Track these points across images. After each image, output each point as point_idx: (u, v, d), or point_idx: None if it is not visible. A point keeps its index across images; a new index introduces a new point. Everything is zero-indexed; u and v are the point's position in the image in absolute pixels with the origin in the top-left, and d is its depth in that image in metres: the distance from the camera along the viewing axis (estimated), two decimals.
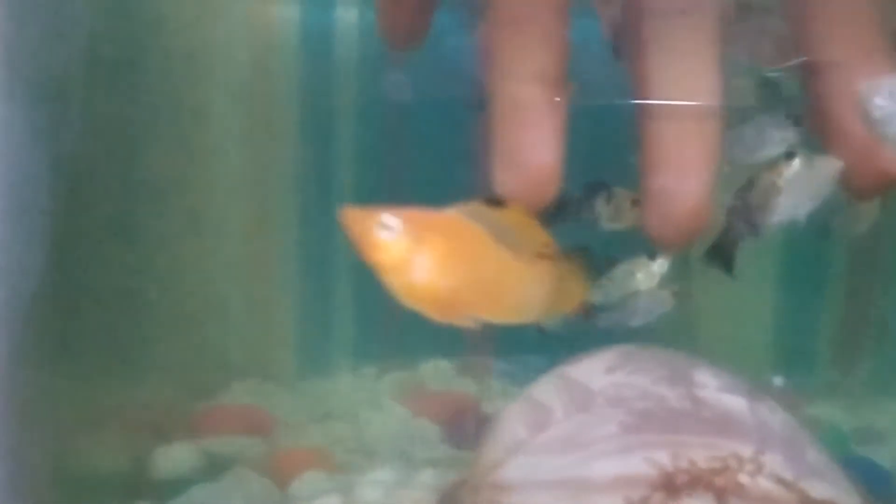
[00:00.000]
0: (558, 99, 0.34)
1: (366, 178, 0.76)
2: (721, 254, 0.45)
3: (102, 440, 0.55)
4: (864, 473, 0.57)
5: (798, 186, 0.38)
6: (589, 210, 0.45)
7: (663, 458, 0.38)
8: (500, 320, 0.33)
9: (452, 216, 0.31)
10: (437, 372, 0.78)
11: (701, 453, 0.39)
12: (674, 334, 0.72)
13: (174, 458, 0.57)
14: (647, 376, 0.42)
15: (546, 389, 0.43)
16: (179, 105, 0.70)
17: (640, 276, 0.54)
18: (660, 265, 0.53)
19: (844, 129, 0.35)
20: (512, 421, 0.43)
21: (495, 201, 0.31)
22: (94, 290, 0.56)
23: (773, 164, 0.39)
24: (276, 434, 0.64)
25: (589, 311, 0.33)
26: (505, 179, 0.34)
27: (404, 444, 0.64)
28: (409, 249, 0.29)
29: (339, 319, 0.80)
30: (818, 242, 0.71)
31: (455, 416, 0.67)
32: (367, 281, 0.83)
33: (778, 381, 0.43)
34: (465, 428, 0.65)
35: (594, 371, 0.43)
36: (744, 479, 0.38)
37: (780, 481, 0.39)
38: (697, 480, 0.38)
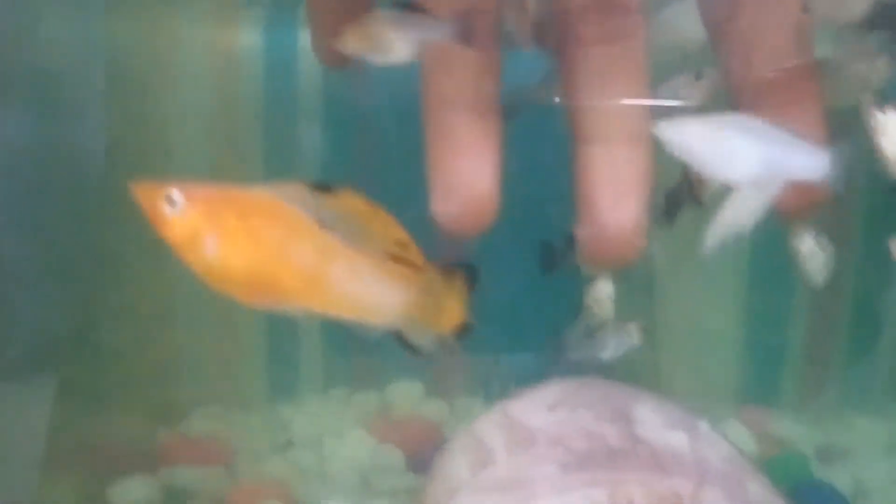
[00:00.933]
0: (493, 124, 0.34)
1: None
2: (666, 209, 0.49)
3: (56, 475, 0.54)
4: (820, 500, 0.57)
5: None
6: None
7: (602, 498, 0.38)
8: (331, 313, 0.30)
9: (258, 195, 0.29)
10: (406, 393, 0.78)
11: (639, 491, 0.38)
12: (640, 356, 0.73)
13: (131, 491, 0.57)
14: (588, 413, 0.42)
15: (488, 427, 0.43)
16: (143, 133, 0.70)
17: (590, 303, 0.54)
18: (604, 288, 0.54)
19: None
20: (454, 459, 0.43)
21: (324, 186, 0.29)
22: (46, 313, 0.56)
23: None
24: (236, 464, 0.64)
25: (466, 334, 0.31)
26: (441, 207, 0.33)
27: (368, 473, 0.64)
28: (197, 226, 0.28)
29: (308, 342, 0.79)
30: (783, 259, 0.71)
31: (419, 443, 0.67)
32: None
33: (704, 426, 0.43)
34: (429, 455, 0.65)
35: (536, 408, 0.43)
36: None
37: None
38: None
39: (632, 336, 0.55)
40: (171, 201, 0.28)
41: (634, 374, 0.73)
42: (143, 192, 0.28)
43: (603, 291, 0.53)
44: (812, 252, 0.48)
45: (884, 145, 0.44)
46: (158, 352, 0.72)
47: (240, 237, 0.28)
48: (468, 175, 0.33)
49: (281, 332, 0.79)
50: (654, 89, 0.37)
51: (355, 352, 0.80)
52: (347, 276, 0.29)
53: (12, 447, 0.52)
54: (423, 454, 0.65)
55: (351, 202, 0.29)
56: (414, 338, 0.30)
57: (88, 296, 0.64)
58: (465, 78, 0.33)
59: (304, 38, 0.80)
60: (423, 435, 0.68)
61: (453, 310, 0.31)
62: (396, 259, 0.29)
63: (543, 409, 0.42)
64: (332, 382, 0.79)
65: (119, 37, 0.69)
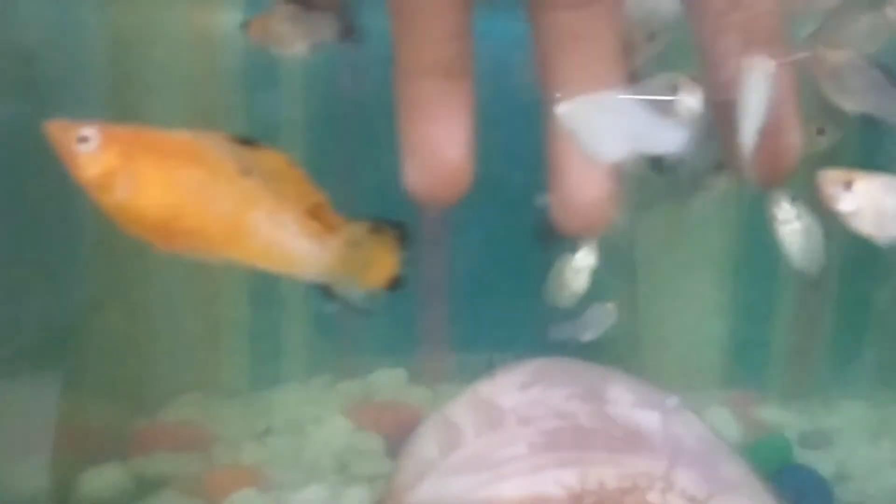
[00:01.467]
0: (465, 91, 0.33)
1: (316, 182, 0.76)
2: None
3: (26, 462, 0.54)
4: (801, 483, 0.57)
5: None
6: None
7: (572, 479, 0.37)
8: (249, 262, 0.29)
9: (178, 137, 0.28)
10: (389, 380, 0.78)
11: (610, 472, 0.38)
12: (622, 336, 0.72)
13: (102, 479, 0.56)
14: (560, 392, 0.41)
15: (459, 408, 0.42)
16: (121, 115, 0.70)
17: (568, 274, 0.53)
18: (584, 256, 0.53)
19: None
20: (425, 440, 0.42)
21: (246, 140, 0.28)
22: (22, 297, 0.56)
23: None
24: (212, 451, 0.63)
25: (396, 287, 0.30)
26: (414, 177, 0.33)
27: (346, 459, 0.64)
28: (111, 165, 0.27)
29: (290, 328, 0.79)
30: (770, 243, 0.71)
31: (399, 428, 0.66)
32: (319, 288, 0.82)
33: (677, 405, 0.42)
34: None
35: (508, 388, 0.42)
36: (654, 497, 0.37)
37: (692, 499, 0.38)
38: (605, 501, 0.37)
39: (610, 315, 0.55)
40: (84, 140, 0.27)
41: (619, 359, 0.72)
42: (56, 130, 0.27)
43: (584, 261, 0.52)
44: (789, 218, 0.47)
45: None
46: (138, 339, 0.72)
47: (156, 179, 0.27)
48: (439, 143, 0.32)
49: (264, 319, 0.78)
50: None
51: (339, 340, 0.80)
52: (270, 225, 0.28)
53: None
54: (402, 440, 0.65)
55: (272, 159, 0.28)
56: (342, 292, 0.29)
57: (66, 283, 0.64)
58: (434, 42, 0.33)
59: None
60: (404, 420, 0.68)
61: (383, 264, 0.30)
62: (314, 216, 0.29)
63: (515, 389, 0.41)
64: (316, 370, 0.79)
65: (94, 20, 0.69)
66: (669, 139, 0.30)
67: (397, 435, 0.65)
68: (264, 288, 0.77)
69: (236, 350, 0.77)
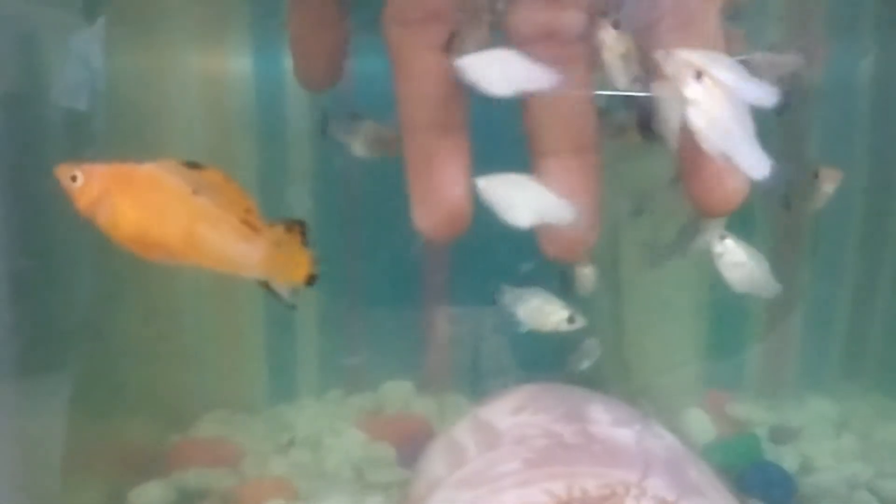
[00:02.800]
0: (462, 143, 0.40)
1: (323, 216, 0.82)
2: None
3: (78, 480, 0.60)
4: (766, 479, 0.64)
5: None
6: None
7: (559, 489, 0.45)
8: (208, 266, 0.37)
9: (142, 169, 0.35)
10: (397, 392, 0.84)
11: (592, 482, 0.45)
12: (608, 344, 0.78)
13: (150, 495, 0.63)
14: (547, 415, 0.48)
15: (462, 430, 0.49)
16: (133, 155, 0.74)
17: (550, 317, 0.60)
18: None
19: (694, 156, 0.37)
20: (434, 459, 0.49)
21: (193, 164, 0.36)
22: (61, 324, 0.61)
23: None
24: (243, 465, 0.70)
25: (312, 283, 0.38)
26: (421, 218, 0.39)
27: (362, 468, 0.70)
28: (94, 196, 0.35)
29: (305, 347, 0.85)
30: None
31: (409, 439, 0.73)
32: (330, 307, 0.88)
33: (649, 421, 0.49)
34: (418, 450, 0.71)
35: (503, 412, 0.49)
36: (630, 502, 0.45)
37: (663, 501, 0.45)
38: None
39: (594, 352, 0.63)
40: (74, 178, 0.35)
41: (601, 366, 0.79)
42: (59, 172, 0.35)
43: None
44: (724, 251, 0.50)
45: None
46: (170, 361, 0.78)
47: (128, 204, 0.35)
48: (443, 189, 0.39)
49: (280, 337, 0.84)
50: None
51: (349, 355, 0.86)
52: (215, 233, 0.36)
53: (31, 445, 0.57)
54: (412, 449, 0.71)
55: (213, 175, 0.36)
56: (275, 287, 0.37)
57: (103, 310, 0.69)
58: (432, 102, 0.39)
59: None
60: (413, 431, 0.74)
61: (300, 261, 0.37)
62: (246, 222, 0.36)
63: (508, 413, 0.48)
64: (329, 384, 0.85)
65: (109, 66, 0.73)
66: (562, 214, 0.38)
67: (408, 444, 0.72)
68: (280, 312, 0.83)
69: (256, 368, 0.83)
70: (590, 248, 0.43)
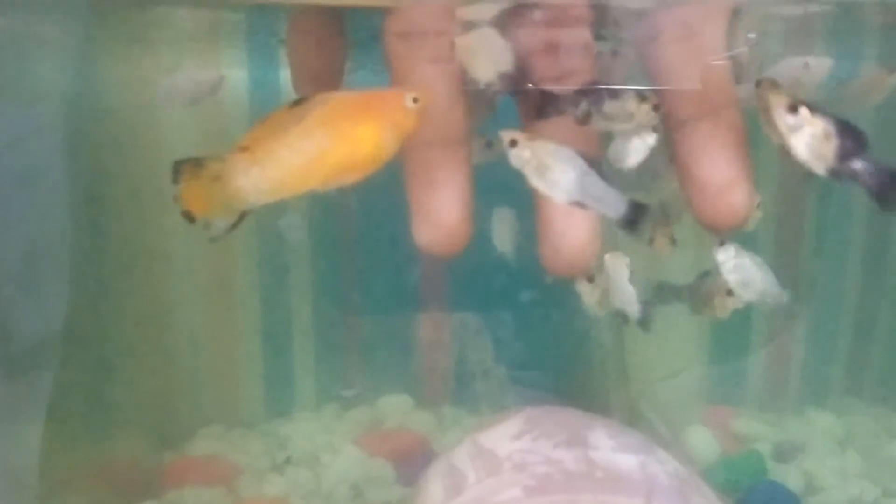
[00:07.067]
0: (462, 159, 0.39)
1: (321, 230, 0.81)
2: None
3: (66, 499, 0.59)
4: (772, 501, 0.63)
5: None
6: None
7: None
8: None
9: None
10: (395, 407, 0.83)
11: None
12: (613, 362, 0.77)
13: None
14: (548, 441, 0.47)
15: (461, 456, 0.48)
16: (131, 168, 0.74)
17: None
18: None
19: (697, 174, 0.38)
20: (433, 484, 0.48)
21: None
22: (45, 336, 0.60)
23: None
24: (239, 484, 0.69)
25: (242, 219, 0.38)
26: (420, 234, 0.39)
27: (360, 486, 0.69)
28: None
29: (301, 359, 0.84)
30: None
31: (408, 455, 0.72)
32: (327, 321, 0.87)
33: (652, 446, 0.48)
34: (415, 467, 0.70)
35: (503, 438, 0.48)
36: None
37: None
38: None
39: None
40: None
41: (606, 381, 0.78)
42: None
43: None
44: (735, 266, 0.49)
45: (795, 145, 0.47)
46: (164, 376, 0.77)
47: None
48: (443, 206, 0.38)
49: (276, 350, 0.83)
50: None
51: (346, 368, 0.85)
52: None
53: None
54: (411, 467, 0.70)
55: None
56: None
57: (94, 323, 0.69)
58: (432, 117, 0.38)
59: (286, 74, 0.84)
60: (411, 447, 0.74)
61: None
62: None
63: (508, 439, 0.47)
64: (325, 398, 0.84)
65: (101, 81, 0.73)
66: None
67: (406, 462, 0.71)
68: (275, 324, 0.82)
69: (251, 382, 0.83)
70: (591, 263, 0.42)
